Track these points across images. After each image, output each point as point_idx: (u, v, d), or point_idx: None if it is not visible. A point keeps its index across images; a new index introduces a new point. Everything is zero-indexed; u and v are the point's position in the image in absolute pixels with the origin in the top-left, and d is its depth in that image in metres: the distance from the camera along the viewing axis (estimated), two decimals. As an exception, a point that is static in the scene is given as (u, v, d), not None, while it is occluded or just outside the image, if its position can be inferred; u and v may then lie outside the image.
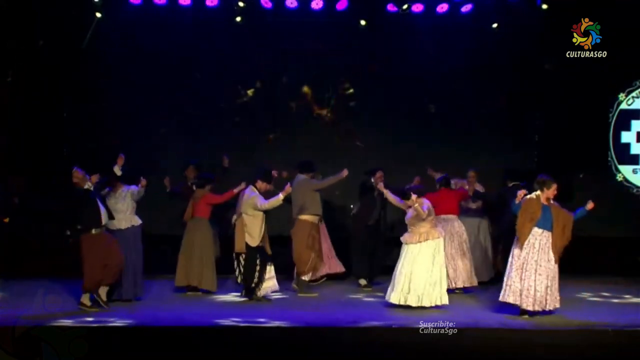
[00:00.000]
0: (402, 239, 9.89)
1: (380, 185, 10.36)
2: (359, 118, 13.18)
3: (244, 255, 10.08)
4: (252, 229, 10.07)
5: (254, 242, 10.06)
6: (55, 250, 11.66)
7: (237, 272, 10.19)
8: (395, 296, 9.72)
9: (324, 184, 10.89)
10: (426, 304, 9.61)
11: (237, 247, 10.12)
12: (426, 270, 9.63)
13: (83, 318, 8.88)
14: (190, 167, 11.49)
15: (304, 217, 10.77)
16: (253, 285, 10.11)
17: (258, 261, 10.08)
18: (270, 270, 10.20)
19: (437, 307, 9.65)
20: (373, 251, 11.45)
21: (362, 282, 11.35)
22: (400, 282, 9.69)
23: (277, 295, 10.55)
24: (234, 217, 10.34)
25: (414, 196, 9.78)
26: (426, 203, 9.77)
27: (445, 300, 9.71)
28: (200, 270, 10.56)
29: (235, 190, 10.55)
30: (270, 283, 10.21)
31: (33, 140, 12.50)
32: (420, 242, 9.68)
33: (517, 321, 9.13)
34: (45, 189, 12.02)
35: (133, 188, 9.98)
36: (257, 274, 10.09)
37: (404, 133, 13.04)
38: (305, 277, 10.81)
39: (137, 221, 10.09)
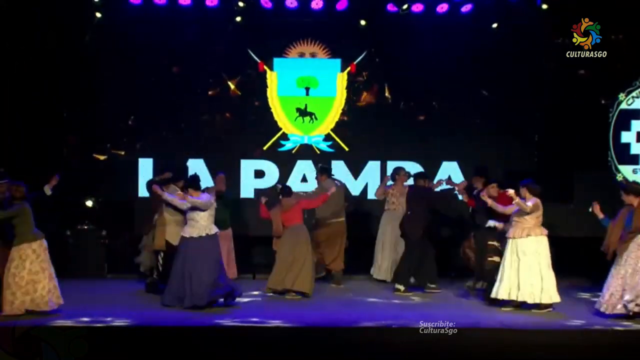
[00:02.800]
0: (507, 234, 9.97)
1: (485, 195, 10.30)
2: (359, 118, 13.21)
3: (162, 254, 10.20)
4: (173, 228, 10.11)
5: (175, 241, 9.95)
6: (56, 250, 11.66)
7: (154, 269, 10.39)
8: (503, 292, 9.79)
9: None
10: (529, 300, 9.72)
11: (156, 244, 10.23)
12: (529, 267, 9.71)
13: (83, 318, 8.89)
14: (221, 177, 11.47)
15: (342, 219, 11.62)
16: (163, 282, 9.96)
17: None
18: None
19: (536, 305, 9.70)
20: (422, 257, 11.14)
21: (401, 287, 10.98)
22: (508, 277, 9.80)
23: (277, 296, 10.55)
24: (155, 215, 10.42)
25: (511, 190, 9.82)
26: (533, 199, 9.79)
27: (554, 298, 9.73)
28: (297, 274, 10.52)
29: (329, 193, 10.87)
30: None
31: (33, 140, 12.49)
32: (523, 237, 9.74)
33: (517, 321, 9.14)
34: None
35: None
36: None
37: (404, 133, 13.05)
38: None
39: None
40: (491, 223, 10.36)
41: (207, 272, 9.57)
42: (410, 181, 11.58)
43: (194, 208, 9.66)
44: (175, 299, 9.66)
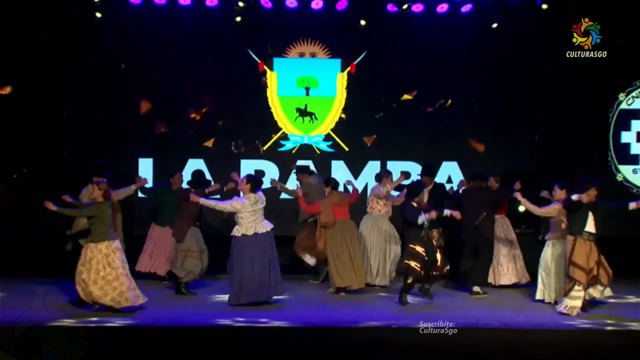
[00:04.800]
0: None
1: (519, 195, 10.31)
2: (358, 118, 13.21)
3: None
4: None
5: None
6: (56, 250, 11.67)
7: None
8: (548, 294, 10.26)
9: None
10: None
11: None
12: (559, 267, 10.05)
13: (83, 318, 8.89)
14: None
15: None
16: None
17: None
18: None
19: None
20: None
21: (477, 289, 10.82)
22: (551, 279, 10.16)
23: (278, 296, 10.54)
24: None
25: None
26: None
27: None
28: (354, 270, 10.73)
29: (359, 189, 11.41)
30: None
31: (33, 140, 12.48)
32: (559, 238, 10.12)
33: (517, 321, 9.14)
34: (45, 188, 12.02)
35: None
36: None
37: (403, 133, 13.05)
38: None
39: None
40: (447, 212, 10.26)
41: (256, 269, 9.82)
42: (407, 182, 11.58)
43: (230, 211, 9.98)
44: (237, 297, 9.87)
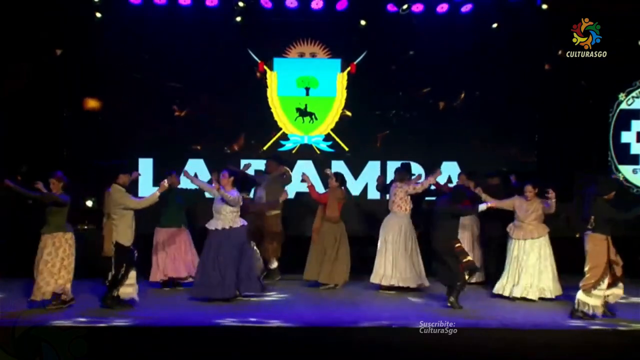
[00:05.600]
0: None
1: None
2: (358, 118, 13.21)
3: (113, 259, 9.57)
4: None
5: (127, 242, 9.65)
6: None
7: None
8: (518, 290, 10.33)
9: None
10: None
11: (105, 250, 9.80)
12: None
13: (83, 318, 8.89)
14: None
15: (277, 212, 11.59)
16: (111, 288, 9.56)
17: (124, 264, 9.53)
18: (132, 277, 9.64)
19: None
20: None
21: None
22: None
23: (277, 296, 10.56)
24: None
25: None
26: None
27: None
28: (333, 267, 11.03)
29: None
30: (129, 290, 9.61)
31: (33, 140, 12.48)
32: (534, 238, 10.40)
33: (517, 321, 9.13)
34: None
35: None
36: (118, 276, 9.51)
37: (404, 133, 13.05)
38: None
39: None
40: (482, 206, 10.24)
41: (233, 263, 9.93)
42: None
43: (223, 200, 9.94)
44: (204, 291, 9.96)
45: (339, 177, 11.22)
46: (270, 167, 11.86)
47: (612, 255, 9.41)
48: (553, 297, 10.37)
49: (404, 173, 11.22)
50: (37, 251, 9.49)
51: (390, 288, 10.88)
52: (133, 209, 9.57)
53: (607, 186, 9.54)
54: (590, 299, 9.29)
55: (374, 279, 10.99)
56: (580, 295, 9.32)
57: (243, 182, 10.52)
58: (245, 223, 10.20)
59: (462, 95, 13.04)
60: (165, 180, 9.71)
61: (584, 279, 9.33)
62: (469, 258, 9.97)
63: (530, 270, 10.36)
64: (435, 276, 10.37)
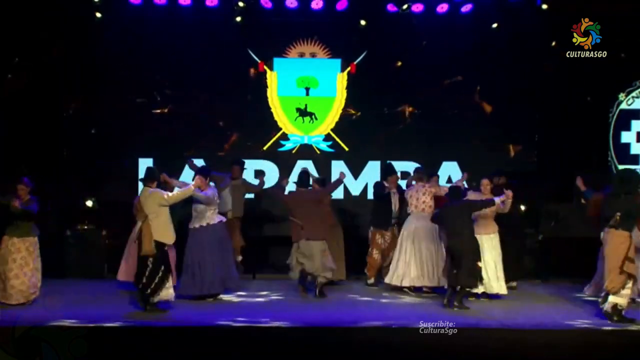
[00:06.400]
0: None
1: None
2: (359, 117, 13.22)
3: (151, 259, 9.36)
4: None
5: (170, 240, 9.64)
6: (56, 250, 11.68)
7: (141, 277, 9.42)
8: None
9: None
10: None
11: (145, 249, 9.38)
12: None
13: (83, 318, 8.89)
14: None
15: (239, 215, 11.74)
16: (149, 291, 9.37)
17: (163, 267, 9.44)
18: (169, 279, 9.58)
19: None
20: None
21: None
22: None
23: (277, 296, 10.56)
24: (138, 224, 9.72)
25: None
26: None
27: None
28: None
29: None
30: (170, 291, 9.56)
31: (33, 140, 12.49)
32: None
33: (517, 321, 9.13)
34: (45, 189, 12.02)
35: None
36: (157, 280, 9.38)
37: (404, 133, 13.06)
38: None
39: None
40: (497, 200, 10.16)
41: (214, 259, 10.07)
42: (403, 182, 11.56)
43: (196, 200, 10.01)
44: (190, 289, 10.08)
45: (320, 181, 11.13)
46: (234, 172, 11.78)
47: (632, 252, 9.15)
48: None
49: (422, 173, 11.11)
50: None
51: (413, 289, 10.85)
52: (172, 203, 9.57)
53: (636, 182, 9.26)
54: (621, 299, 9.10)
55: (395, 280, 10.84)
56: (611, 298, 9.11)
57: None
58: (224, 219, 10.39)
59: (478, 88, 13.01)
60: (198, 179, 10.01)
61: (608, 281, 9.11)
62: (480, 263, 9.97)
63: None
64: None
